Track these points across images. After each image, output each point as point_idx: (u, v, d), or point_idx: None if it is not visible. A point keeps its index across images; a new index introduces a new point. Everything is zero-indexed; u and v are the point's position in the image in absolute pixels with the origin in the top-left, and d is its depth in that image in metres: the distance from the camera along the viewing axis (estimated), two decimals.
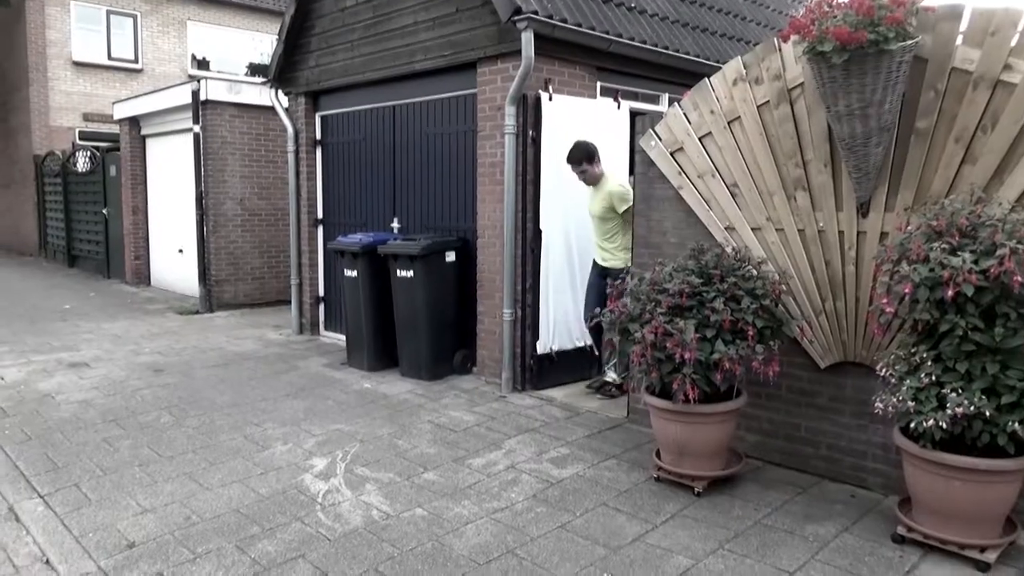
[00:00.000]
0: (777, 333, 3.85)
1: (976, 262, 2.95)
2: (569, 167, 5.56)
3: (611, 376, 5.63)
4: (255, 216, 10.22)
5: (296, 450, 4.55)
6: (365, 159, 7.43)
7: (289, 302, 8.60)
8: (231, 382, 6.16)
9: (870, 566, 3.14)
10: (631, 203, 5.15)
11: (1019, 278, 2.86)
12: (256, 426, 5.01)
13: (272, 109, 8.39)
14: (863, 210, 3.80)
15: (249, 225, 10.17)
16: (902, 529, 3.33)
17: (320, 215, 8.12)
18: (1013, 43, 3.32)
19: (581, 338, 6.05)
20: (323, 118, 8.01)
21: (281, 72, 8.02)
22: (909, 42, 3.36)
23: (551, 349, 5.90)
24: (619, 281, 4.16)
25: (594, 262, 5.80)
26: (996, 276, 2.90)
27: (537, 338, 5.83)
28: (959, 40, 3.46)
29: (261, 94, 9.42)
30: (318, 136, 8.06)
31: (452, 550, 3.31)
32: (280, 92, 8.17)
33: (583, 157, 5.50)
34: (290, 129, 8.05)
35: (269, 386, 6.05)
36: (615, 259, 5.57)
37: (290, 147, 8.08)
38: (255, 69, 17.84)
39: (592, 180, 5.60)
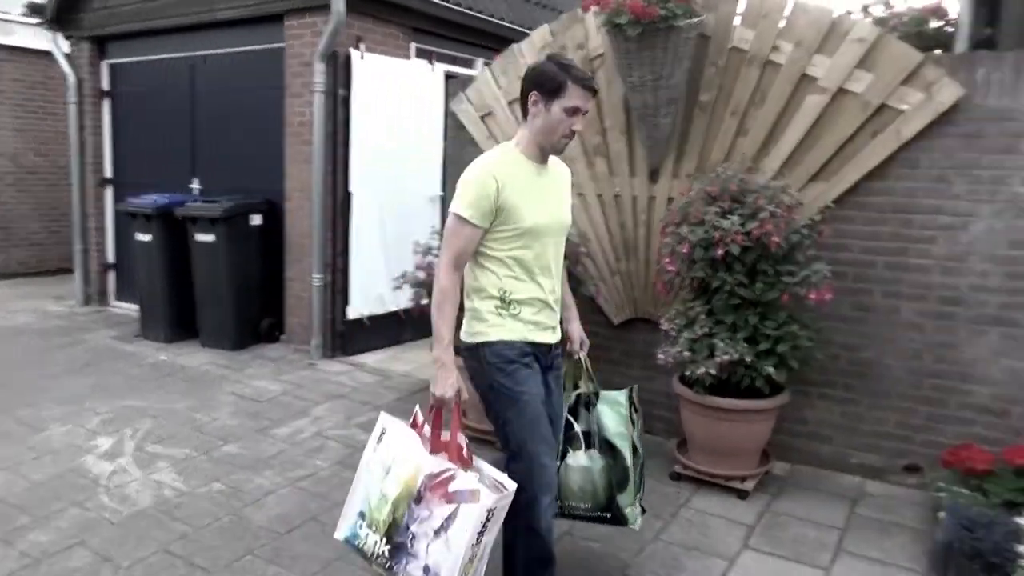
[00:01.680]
0: (575, 293, 4.01)
1: (743, 224, 3.25)
2: (583, 103, 2.33)
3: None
4: (32, 175, 9.09)
5: (77, 430, 4.15)
6: (161, 114, 6.81)
7: (73, 270, 7.77)
8: None
9: (649, 502, 3.40)
10: None
11: (776, 239, 3.20)
12: (30, 407, 4.49)
13: (52, 55, 7.45)
14: (654, 176, 4.06)
15: (24, 184, 9.03)
16: (678, 467, 3.66)
17: (109, 174, 7.39)
18: (781, 26, 3.65)
19: (393, 302, 5.70)
20: (112, 66, 7.25)
21: (60, 12, 7.14)
22: (695, 20, 3.60)
23: (362, 314, 5.77)
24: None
25: (537, 351, 2.48)
26: (758, 237, 3.22)
27: (348, 303, 5.69)
28: (737, 20, 3.76)
29: (37, 36, 8.32)
30: (105, 86, 7.28)
31: (251, 522, 3.19)
32: (61, 36, 7.26)
33: None
34: (71, 77, 7.22)
35: (47, 362, 5.44)
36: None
37: (71, 98, 7.25)
38: (35, 8, 15.68)
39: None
